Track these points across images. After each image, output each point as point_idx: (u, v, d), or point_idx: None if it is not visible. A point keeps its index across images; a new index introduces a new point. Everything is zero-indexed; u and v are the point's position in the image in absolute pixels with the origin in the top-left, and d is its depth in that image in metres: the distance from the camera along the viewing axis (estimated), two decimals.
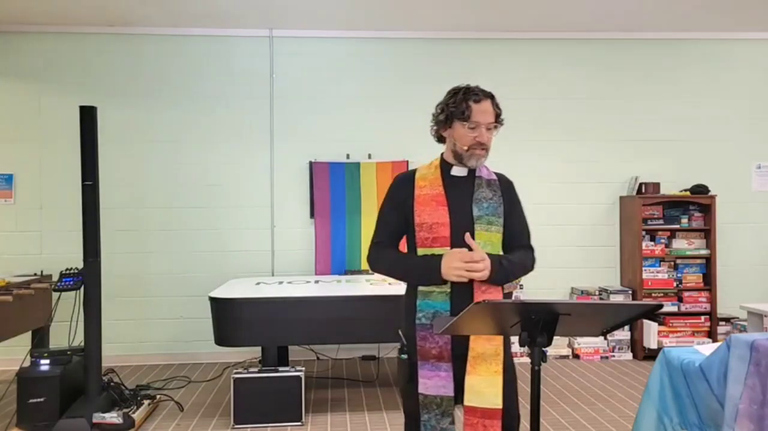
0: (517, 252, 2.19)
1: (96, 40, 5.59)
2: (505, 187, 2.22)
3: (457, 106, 2.12)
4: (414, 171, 2.23)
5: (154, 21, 5.44)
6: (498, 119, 2.15)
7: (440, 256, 2.06)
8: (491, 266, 2.03)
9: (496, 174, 2.25)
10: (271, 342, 4.12)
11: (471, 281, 2.07)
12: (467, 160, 2.14)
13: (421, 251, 2.14)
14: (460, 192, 2.16)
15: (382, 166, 5.67)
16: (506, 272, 2.09)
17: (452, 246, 2.09)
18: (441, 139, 2.25)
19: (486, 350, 2.07)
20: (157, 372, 5.26)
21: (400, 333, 2.21)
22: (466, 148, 2.12)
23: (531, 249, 2.24)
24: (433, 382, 2.10)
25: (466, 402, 2.09)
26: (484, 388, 2.06)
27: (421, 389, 2.12)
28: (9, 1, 4.94)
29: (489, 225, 2.12)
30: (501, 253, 2.18)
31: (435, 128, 2.24)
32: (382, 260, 2.20)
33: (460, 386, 2.11)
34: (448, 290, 2.08)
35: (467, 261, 2.00)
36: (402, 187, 2.20)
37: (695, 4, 5.19)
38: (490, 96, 2.15)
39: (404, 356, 2.17)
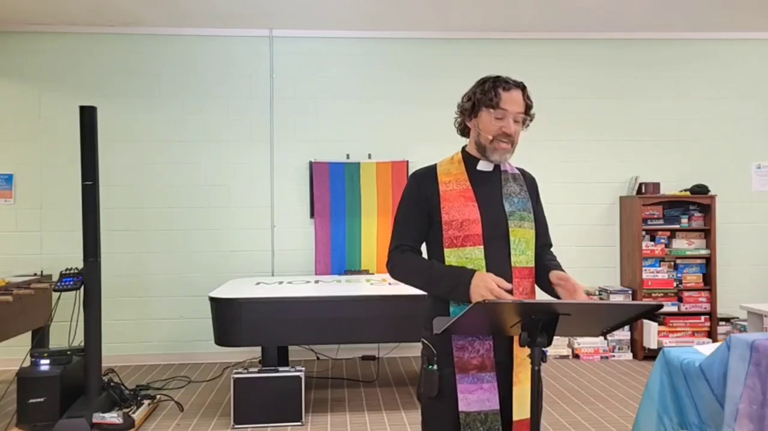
0: (553, 259, 2.11)
1: (96, 40, 5.59)
2: (529, 182, 2.11)
3: (485, 94, 1.96)
4: (434, 166, 2.06)
5: (153, 21, 5.44)
6: (528, 113, 1.99)
7: (471, 271, 1.88)
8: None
9: (518, 169, 2.13)
10: (271, 342, 4.12)
11: (509, 279, 1.94)
12: (490, 153, 1.98)
13: (448, 252, 1.94)
14: (488, 187, 2.01)
15: (382, 166, 5.67)
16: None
17: (485, 245, 1.93)
18: (465, 131, 2.10)
19: (526, 355, 1.85)
20: (157, 372, 5.26)
21: (425, 342, 1.98)
22: (490, 138, 1.96)
23: (551, 247, 2.16)
24: (476, 396, 1.89)
25: (516, 416, 1.90)
26: (527, 397, 1.87)
27: (462, 406, 1.88)
28: (9, 1, 4.94)
29: (522, 221, 1.99)
30: (534, 250, 2.04)
31: (459, 118, 2.08)
32: (404, 268, 2.00)
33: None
34: None
35: (498, 289, 1.83)
36: (424, 183, 2.01)
37: (696, 4, 5.19)
38: (522, 86, 1.99)
39: (432, 367, 1.93)
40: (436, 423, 1.97)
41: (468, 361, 1.90)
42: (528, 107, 1.99)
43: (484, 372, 1.90)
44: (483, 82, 1.99)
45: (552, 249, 2.19)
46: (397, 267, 2.02)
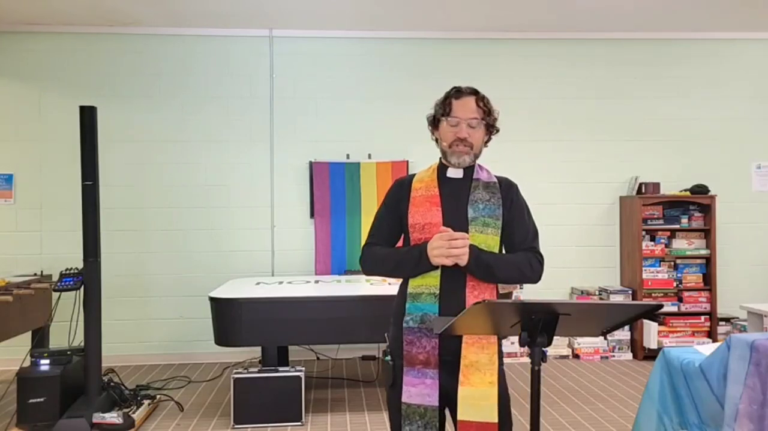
0: (513, 254, 2.10)
1: (96, 40, 5.59)
2: (505, 189, 2.13)
3: (441, 105, 2.13)
4: (413, 175, 2.20)
5: (153, 21, 5.44)
6: (488, 118, 2.09)
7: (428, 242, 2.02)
8: (469, 251, 1.95)
9: (498, 177, 2.17)
10: (271, 342, 4.12)
11: (463, 281, 2.00)
12: (450, 157, 2.10)
13: None
14: (455, 194, 2.10)
15: (382, 166, 5.67)
16: (486, 262, 1.99)
17: None
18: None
19: (480, 358, 1.96)
20: (157, 372, 5.26)
21: (386, 335, 2.15)
22: (447, 145, 2.09)
23: (535, 253, 2.09)
24: (418, 390, 2.00)
25: (460, 416, 1.95)
26: (478, 401, 1.94)
27: (404, 398, 2.01)
28: (9, 1, 4.94)
29: (485, 227, 2.04)
30: None
31: (431, 135, 2.23)
32: (372, 259, 2.13)
33: (446, 396, 2.01)
34: (437, 292, 2.00)
35: (447, 239, 1.93)
36: (398, 191, 2.16)
37: (695, 4, 5.19)
38: (474, 93, 2.11)
39: (388, 358, 2.10)
40: (392, 411, 2.10)
41: (415, 356, 2.01)
42: (486, 113, 2.09)
43: (428, 368, 2.00)
44: (443, 96, 2.15)
45: (542, 252, 2.14)
46: (367, 260, 2.15)
